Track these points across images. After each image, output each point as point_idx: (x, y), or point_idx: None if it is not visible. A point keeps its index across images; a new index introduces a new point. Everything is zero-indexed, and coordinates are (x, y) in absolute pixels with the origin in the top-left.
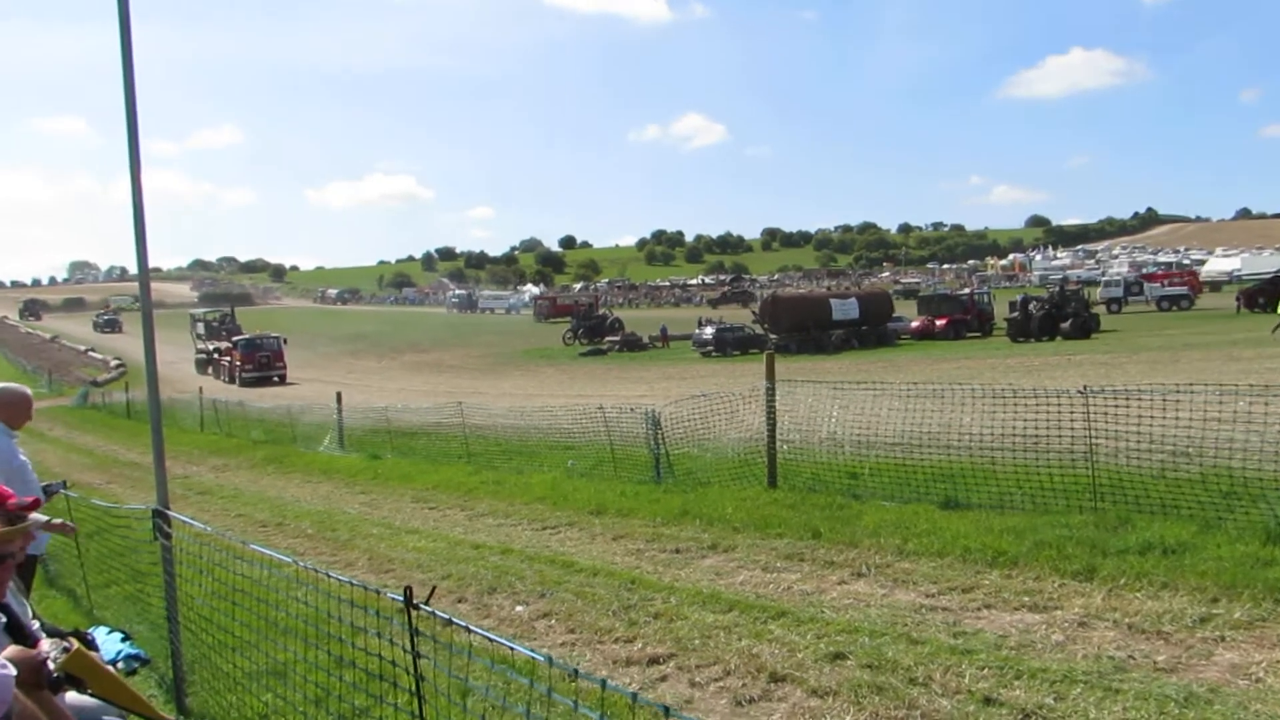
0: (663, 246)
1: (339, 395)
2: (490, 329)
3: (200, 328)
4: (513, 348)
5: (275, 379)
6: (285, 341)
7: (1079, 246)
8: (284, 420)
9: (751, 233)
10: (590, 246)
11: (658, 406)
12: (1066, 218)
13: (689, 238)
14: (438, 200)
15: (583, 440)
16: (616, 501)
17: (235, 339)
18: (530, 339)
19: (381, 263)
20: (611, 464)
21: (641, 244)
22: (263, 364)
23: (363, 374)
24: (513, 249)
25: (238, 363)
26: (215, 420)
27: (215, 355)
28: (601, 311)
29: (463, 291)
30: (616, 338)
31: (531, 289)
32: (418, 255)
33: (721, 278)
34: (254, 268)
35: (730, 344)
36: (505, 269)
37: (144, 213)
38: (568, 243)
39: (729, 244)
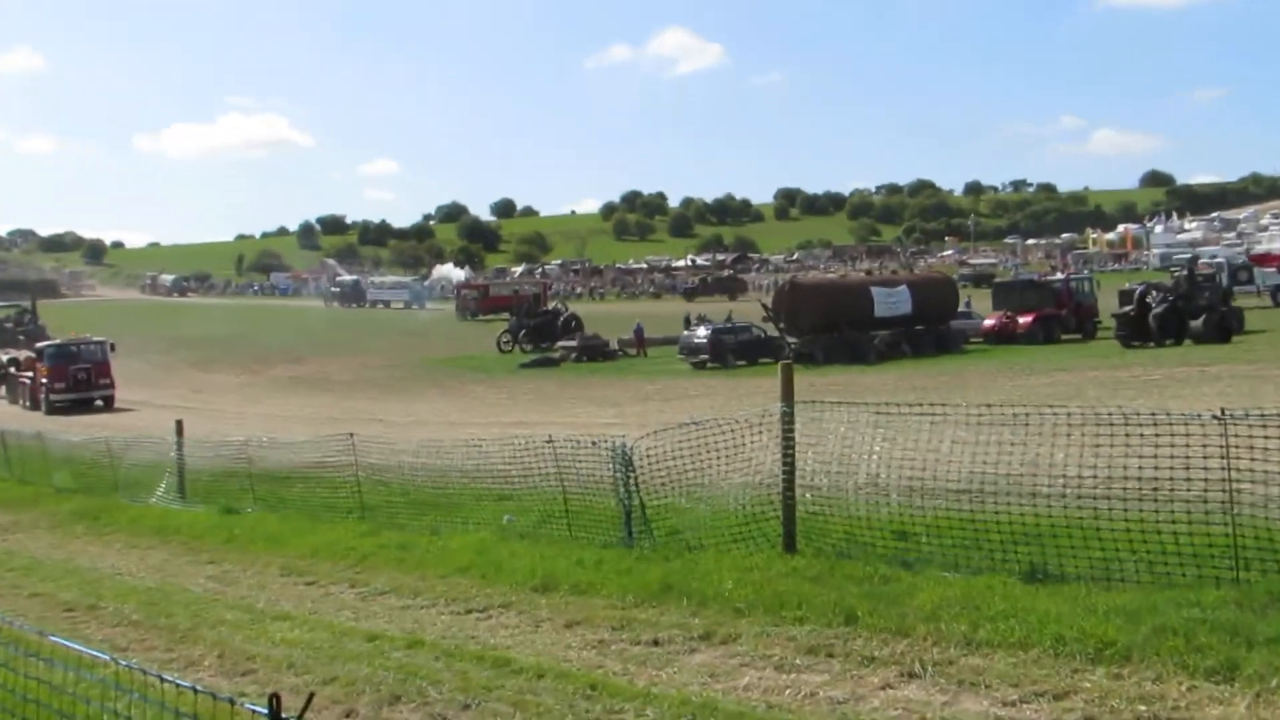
0: (638, 215)
1: (179, 424)
2: (396, 330)
3: None
4: (427, 355)
5: (98, 402)
6: (113, 348)
7: (1214, 214)
8: (101, 459)
9: (761, 195)
10: (536, 215)
11: (630, 439)
12: (1196, 174)
13: (673, 202)
14: (320, 151)
15: (525, 486)
16: (571, 573)
17: (39, 346)
18: (452, 343)
19: (241, 238)
20: (564, 519)
21: (608, 211)
22: (80, 381)
23: (214, 393)
24: (427, 218)
25: (44, 380)
26: (3, 460)
27: (10, 370)
28: (552, 305)
29: (349, 277)
30: (573, 342)
31: (451, 273)
32: (292, 227)
33: (720, 257)
34: (60, 245)
35: (732, 350)
36: (416, 246)
37: None
38: (504, 210)
39: (729, 211)
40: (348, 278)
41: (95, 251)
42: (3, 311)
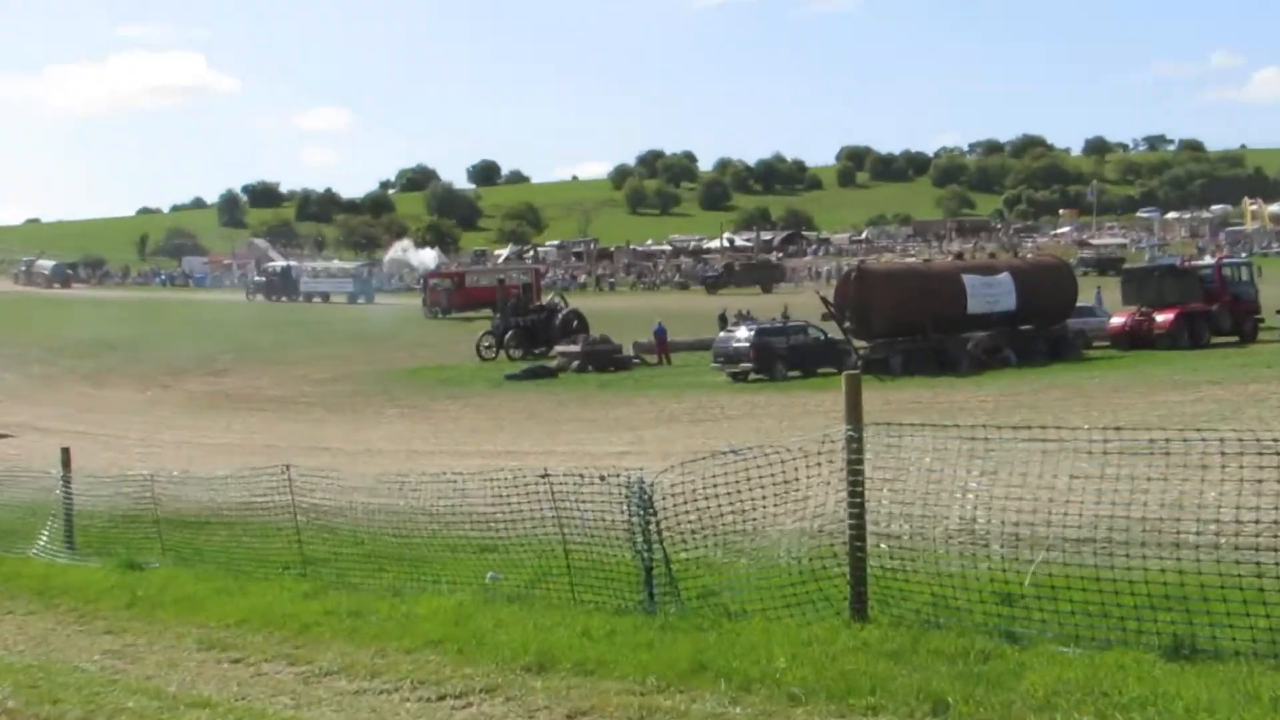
0: (659, 181)
1: (66, 454)
2: (343, 333)
3: None
4: (384, 365)
5: None
6: None
7: None
8: None
9: (820, 155)
10: (526, 181)
11: (650, 473)
12: None
13: (705, 165)
14: (247, 99)
15: (513, 534)
16: (574, 647)
17: None
18: (417, 349)
19: (146, 213)
20: (566, 577)
21: (620, 177)
22: None
23: (110, 413)
24: (385, 186)
25: None
26: None
27: None
28: (548, 299)
29: (282, 263)
30: (575, 346)
31: (415, 257)
32: (211, 199)
33: (766, 237)
34: None
35: (782, 358)
36: (371, 222)
37: None
38: (484, 175)
39: (778, 176)
40: (280, 263)
41: None
42: None
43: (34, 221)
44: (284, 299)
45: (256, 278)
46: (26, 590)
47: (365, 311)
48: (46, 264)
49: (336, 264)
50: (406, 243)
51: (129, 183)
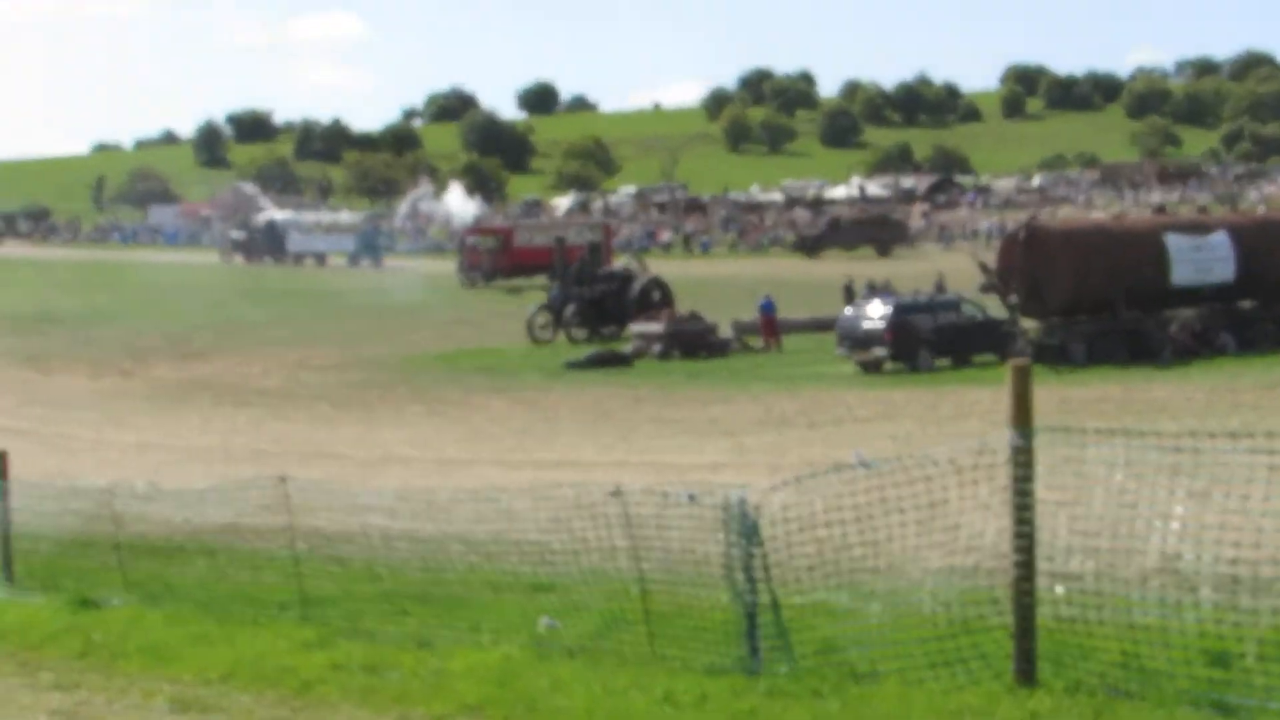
0: (767, 110)
1: (2, 459)
2: (353, 306)
3: None
4: (407, 347)
5: None
6: None
7: None
8: None
9: (979, 78)
10: (593, 111)
11: (755, 492)
12: None
13: (827, 90)
14: (230, 2)
15: (575, 570)
16: (655, 717)
17: None
18: (450, 327)
19: (102, 149)
20: (643, 626)
21: (716, 104)
22: None
23: (58, 407)
24: (410, 116)
25: None
26: None
27: None
28: (621, 263)
29: (277, 214)
30: (657, 326)
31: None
32: (186, 131)
33: (908, 184)
34: None
35: (929, 342)
36: (392, 162)
37: None
38: (538, 102)
39: (924, 104)
40: (275, 214)
41: None
42: None
43: None
44: (269, 260)
45: (234, 234)
46: None
47: (380, 278)
48: None
49: (335, 216)
50: (427, 187)
51: (81, 111)
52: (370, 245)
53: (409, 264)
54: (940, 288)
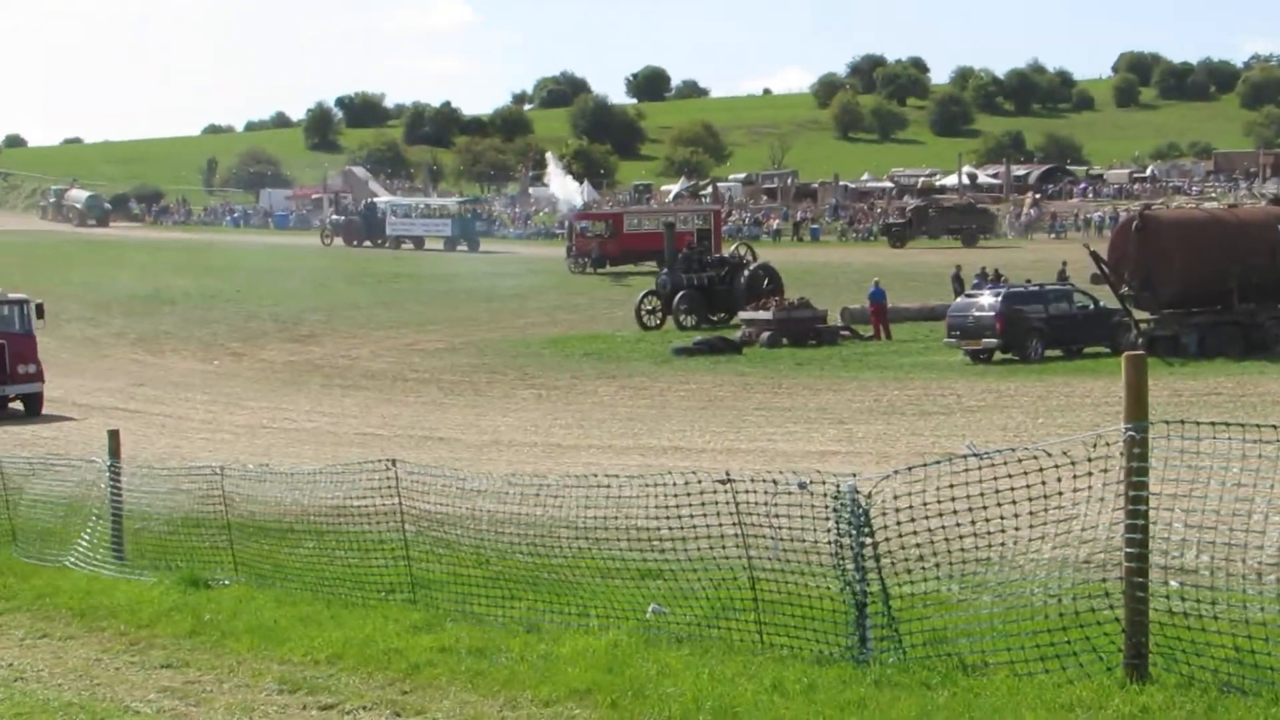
0: (878, 97)
1: (114, 438)
2: (461, 291)
3: None
4: (517, 332)
5: (15, 403)
6: (40, 313)
7: None
8: None
9: (1091, 66)
10: (704, 96)
11: (865, 480)
12: None
13: (938, 76)
14: None
15: (683, 556)
16: (763, 705)
17: None
18: (559, 313)
19: (214, 130)
20: (752, 614)
21: (826, 91)
22: None
23: (168, 387)
24: (520, 100)
25: None
26: None
27: None
28: (730, 250)
29: (385, 199)
30: (765, 313)
31: (556, 191)
32: (297, 114)
33: (1019, 172)
34: None
35: (1039, 332)
36: (502, 146)
37: None
38: (649, 88)
39: (1036, 92)
40: (384, 199)
41: None
42: None
43: (74, 142)
44: (367, 243)
45: (334, 217)
46: (65, 609)
47: (484, 263)
48: (79, 195)
49: (432, 200)
50: (553, 176)
51: (193, 94)
52: (467, 230)
53: (506, 249)
54: (1063, 277)
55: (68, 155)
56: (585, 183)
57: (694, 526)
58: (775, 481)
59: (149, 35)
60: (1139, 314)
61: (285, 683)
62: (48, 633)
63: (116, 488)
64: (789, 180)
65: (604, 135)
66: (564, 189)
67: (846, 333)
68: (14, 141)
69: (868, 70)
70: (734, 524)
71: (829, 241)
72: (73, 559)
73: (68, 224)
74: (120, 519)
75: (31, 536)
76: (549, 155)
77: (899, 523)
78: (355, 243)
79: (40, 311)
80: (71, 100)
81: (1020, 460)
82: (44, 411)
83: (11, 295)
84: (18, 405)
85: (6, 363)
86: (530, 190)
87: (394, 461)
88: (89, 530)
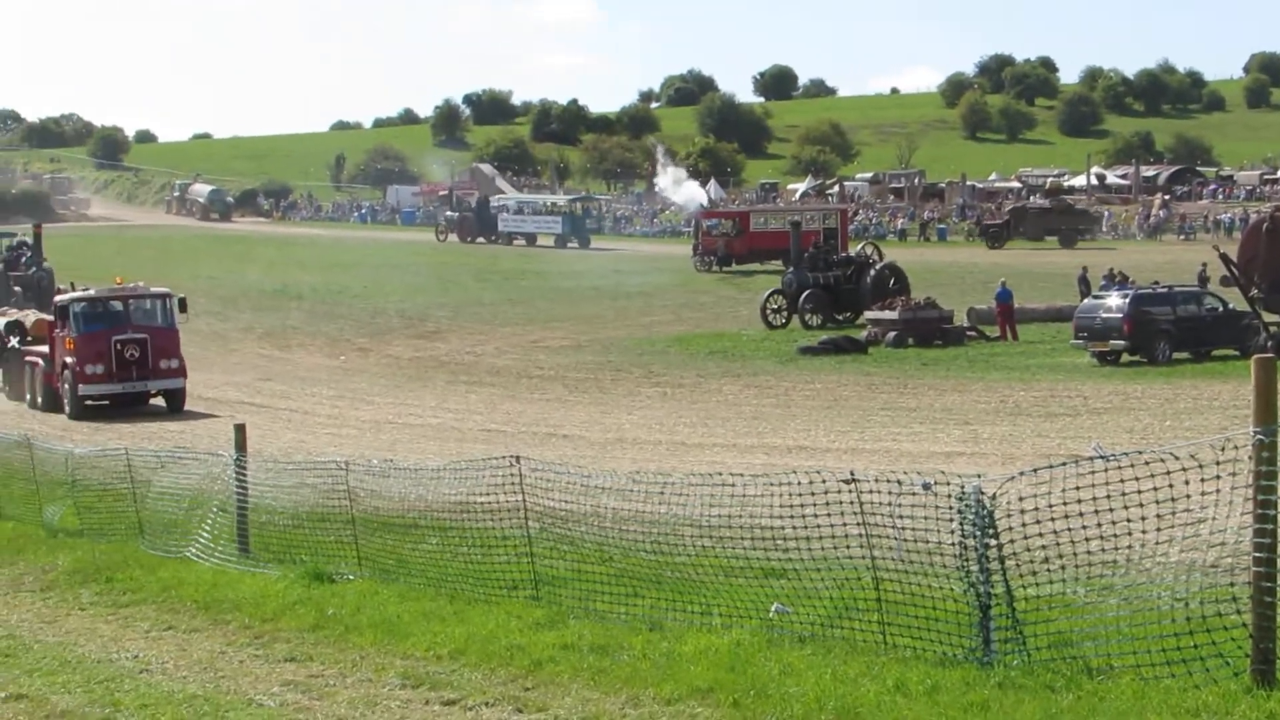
0: (1006, 97)
1: (240, 432)
2: (585, 288)
3: None
4: (642, 330)
5: (157, 398)
6: (184, 307)
7: None
8: (118, 485)
9: (1223, 67)
10: (832, 95)
11: (990, 481)
12: None
13: (1067, 76)
14: None
15: (806, 555)
16: (885, 706)
17: (62, 300)
18: (684, 311)
19: (341, 126)
20: (874, 615)
21: (955, 91)
22: (130, 363)
23: (295, 382)
24: (647, 98)
25: (69, 360)
26: None
27: (9, 343)
28: (856, 250)
29: (510, 197)
30: (891, 313)
31: (682, 191)
32: (424, 111)
33: (1149, 173)
34: (55, 135)
35: (1167, 334)
36: (627, 144)
37: None
38: (776, 87)
39: (1166, 93)
40: (510, 196)
41: (110, 146)
42: None
43: (204, 138)
44: (480, 239)
45: (449, 213)
46: (190, 602)
47: (579, 262)
48: (202, 189)
49: (544, 197)
50: (678, 177)
51: (321, 91)
52: (577, 227)
53: (619, 245)
54: (1203, 279)
55: (198, 151)
56: (712, 181)
57: (818, 526)
58: (900, 482)
59: (278, 32)
60: (1269, 316)
61: (408, 678)
62: (173, 625)
63: (242, 481)
64: (916, 180)
65: (731, 134)
66: (676, 187)
67: (973, 333)
68: (144, 137)
69: (996, 70)
70: (858, 524)
71: (956, 241)
72: (195, 551)
73: (191, 218)
74: (245, 512)
75: (158, 529)
76: (660, 151)
77: (1024, 524)
78: (469, 239)
79: (183, 306)
80: (201, 96)
81: (1147, 463)
82: (205, 415)
83: (154, 289)
84: (159, 401)
85: (149, 357)
86: (658, 188)
87: (518, 458)
88: (210, 522)
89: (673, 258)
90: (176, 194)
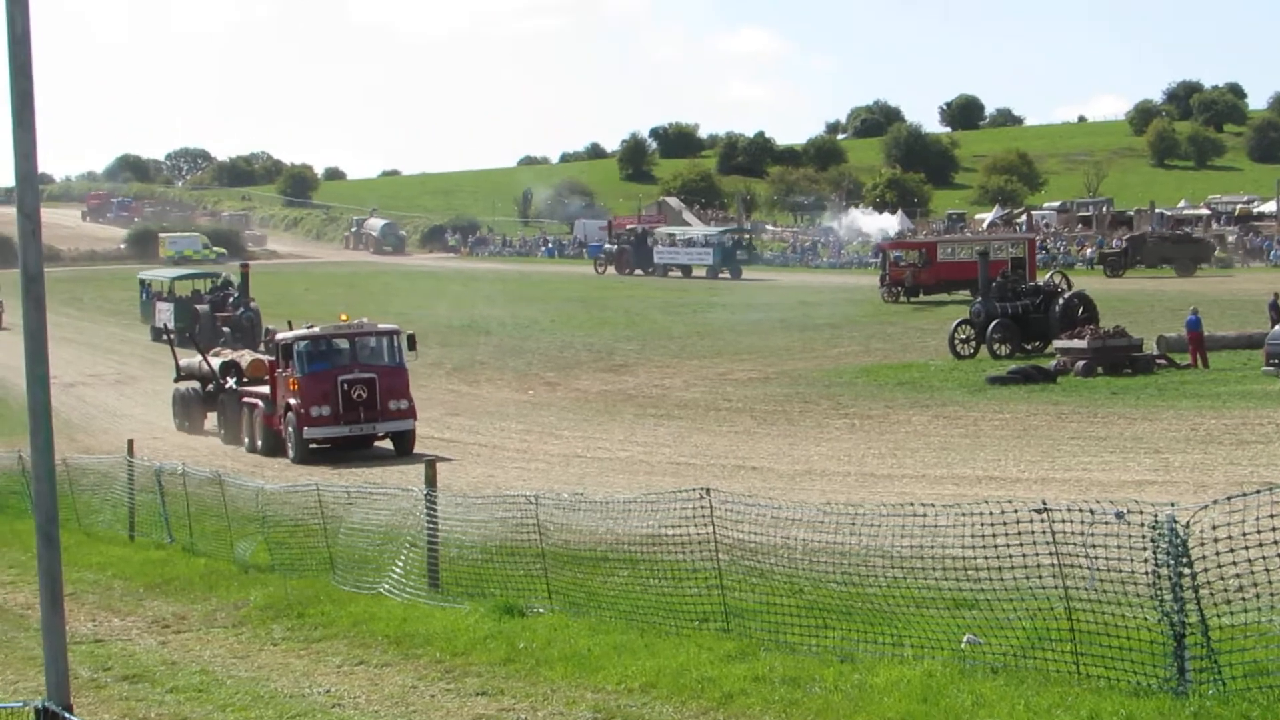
0: (1194, 124)
1: (430, 467)
2: (770, 319)
3: (165, 313)
4: (829, 361)
5: (379, 437)
6: (413, 345)
7: None
8: (309, 520)
9: None
10: (1019, 124)
11: (1182, 509)
12: None
13: (1257, 102)
14: (649, 14)
15: (998, 586)
16: None
17: (283, 339)
18: (871, 341)
19: (529, 161)
20: (1068, 645)
21: (1142, 118)
22: (358, 404)
23: (483, 417)
24: (834, 129)
25: (293, 402)
26: (160, 516)
27: (227, 385)
28: (1045, 279)
29: (675, 230)
30: (1080, 342)
31: (857, 221)
32: (611, 145)
33: None
34: (244, 174)
35: None
36: (815, 175)
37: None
38: (963, 116)
39: None
40: (674, 230)
41: (300, 184)
42: (198, 284)
43: (392, 174)
44: (638, 271)
45: (608, 246)
46: (381, 637)
47: (735, 292)
48: (376, 223)
49: (696, 230)
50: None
51: (508, 127)
52: (728, 258)
53: (769, 276)
54: None
55: (386, 188)
56: (899, 211)
57: (1009, 556)
58: (1092, 511)
59: (465, 69)
60: None
61: (599, 711)
62: (364, 659)
63: (433, 516)
64: (1104, 208)
65: (917, 164)
66: (852, 223)
67: (1162, 361)
68: (333, 174)
69: (1184, 96)
70: (1050, 554)
71: (1145, 270)
72: (387, 586)
73: (365, 251)
74: (436, 547)
75: (349, 564)
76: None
77: (1217, 553)
78: (626, 270)
79: (412, 343)
80: (390, 134)
81: None
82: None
83: (381, 325)
84: (386, 444)
85: (377, 398)
86: (843, 220)
87: (708, 490)
88: (402, 558)
89: (842, 289)
90: (354, 229)
